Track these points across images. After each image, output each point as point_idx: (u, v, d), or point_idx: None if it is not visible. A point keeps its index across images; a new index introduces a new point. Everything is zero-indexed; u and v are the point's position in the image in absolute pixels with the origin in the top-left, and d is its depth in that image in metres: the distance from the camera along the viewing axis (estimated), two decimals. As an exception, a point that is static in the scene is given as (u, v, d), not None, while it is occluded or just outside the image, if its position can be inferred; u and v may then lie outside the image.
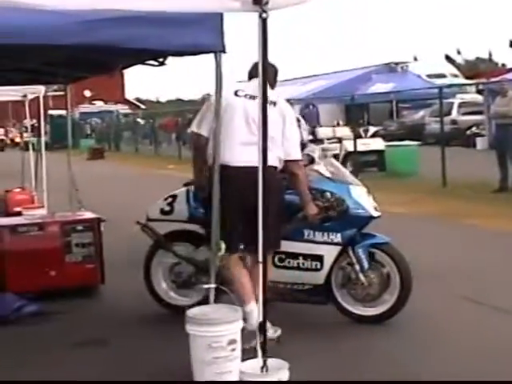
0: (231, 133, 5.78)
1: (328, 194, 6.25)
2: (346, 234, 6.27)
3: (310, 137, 6.96)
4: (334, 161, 6.91)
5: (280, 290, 6.33)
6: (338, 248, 6.30)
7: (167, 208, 6.72)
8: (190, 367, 5.03)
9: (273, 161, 5.66)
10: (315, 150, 6.86)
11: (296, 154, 5.92)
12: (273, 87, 6.00)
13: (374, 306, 6.38)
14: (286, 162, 5.89)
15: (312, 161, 6.70)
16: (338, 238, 6.27)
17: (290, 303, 6.52)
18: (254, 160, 5.57)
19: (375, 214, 6.40)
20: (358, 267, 6.29)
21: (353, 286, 6.37)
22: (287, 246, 6.24)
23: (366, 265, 6.28)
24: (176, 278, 6.82)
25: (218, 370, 4.93)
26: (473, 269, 8.30)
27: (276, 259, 6.24)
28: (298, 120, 6.81)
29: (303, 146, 6.69)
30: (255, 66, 6.02)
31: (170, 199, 6.74)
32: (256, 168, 5.50)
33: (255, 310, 5.43)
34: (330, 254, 6.30)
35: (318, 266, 6.31)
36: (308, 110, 27.25)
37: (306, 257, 6.33)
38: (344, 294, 6.41)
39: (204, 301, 5.94)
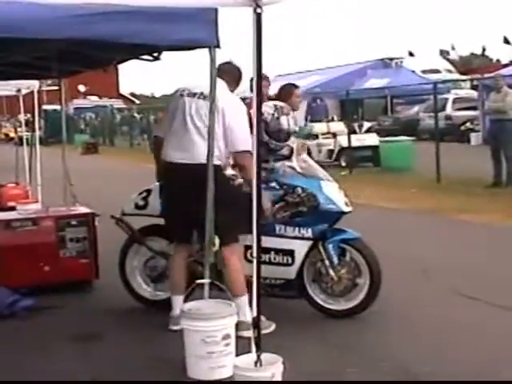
0: (172, 131, 6.05)
1: (299, 190, 6.31)
2: (317, 229, 6.31)
3: (297, 128, 6.96)
4: (306, 157, 6.91)
5: (252, 283, 6.31)
6: (309, 243, 6.34)
7: (141, 203, 6.72)
8: (184, 361, 5.05)
9: (203, 158, 5.71)
10: (295, 143, 6.90)
11: (240, 146, 5.80)
12: (234, 88, 6.12)
13: (344, 300, 6.41)
14: (233, 153, 5.90)
15: (291, 152, 6.75)
16: (309, 232, 6.32)
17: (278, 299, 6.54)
18: (187, 157, 5.84)
19: (346, 209, 6.43)
20: (327, 263, 6.33)
21: (323, 281, 6.41)
22: None
23: (335, 260, 6.32)
24: (150, 272, 6.86)
25: (212, 364, 4.95)
26: (467, 264, 8.30)
27: (248, 254, 6.19)
28: (285, 108, 6.79)
29: (289, 134, 6.69)
30: (219, 67, 6.07)
31: (144, 194, 6.75)
32: (188, 165, 5.79)
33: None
34: (301, 248, 6.34)
35: (290, 261, 6.35)
36: (315, 104, 26.61)
37: (277, 251, 6.36)
38: (315, 289, 6.45)
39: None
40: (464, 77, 38.89)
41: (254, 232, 4.53)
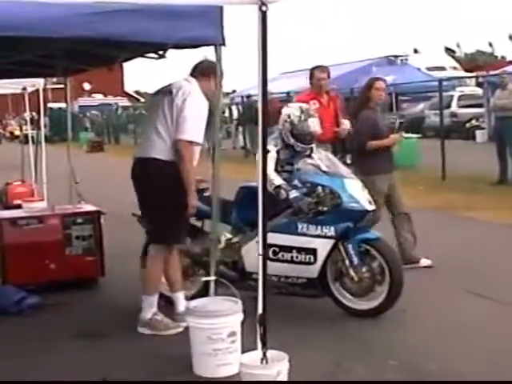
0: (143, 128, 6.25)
1: (319, 188, 6.26)
2: (339, 228, 6.24)
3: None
4: (329, 154, 6.89)
5: (274, 283, 6.28)
6: (332, 241, 6.27)
7: None
8: (190, 359, 5.05)
9: (156, 153, 5.85)
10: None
11: (185, 135, 5.75)
12: (214, 87, 5.86)
13: (366, 300, 6.34)
14: (176, 140, 5.79)
15: (311, 150, 6.74)
16: (331, 231, 6.24)
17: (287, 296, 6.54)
18: (145, 151, 5.99)
19: (370, 207, 6.38)
20: (347, 262, 6.26)
21: (344, 280, 6.35)
22: (281, 239, 6.25)
23: (355, 260, 6.24)
24: None
25: (218, 361, 4.96)
26: (474, 262, 8.30)
27: (270, 252, 6.18)
28: (311, 110, 6.79)
29: (313, 137, 6.68)
30: (196, 65, 6.08)
31: None
32: (143, 159, 5.94)
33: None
34: (323, 247, 6.27)
35: (312, 260, 6.28)
36: None
37: (299, 250, 6.30)
38: (338, 288, 6.39)
39: (199, 293, 6.01)
40: (469, 74, 38.82)
41: (260, 229, 4.53)
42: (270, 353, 4.44)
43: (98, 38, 4.83)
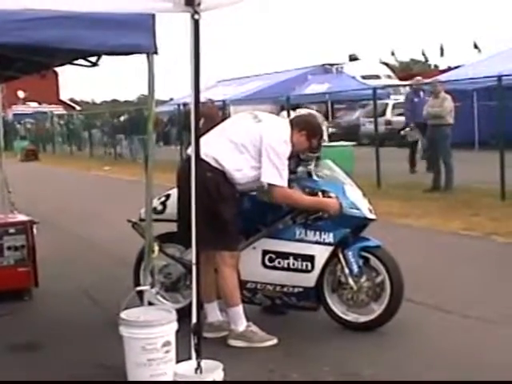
0: None
1: (320, 194, 6.04)
2: (338, 234, 6.02)
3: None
4: (329, 162, 6.68)
5: (269, 292, 6.15)
6: (330, 248, 6.04)
7: (160, 207, 6.37)
8: (124, 369, 5.01)
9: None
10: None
11: None
12: None
13: (364, 312, 6.14)
14: None
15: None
16: (330, 237, 6.02)
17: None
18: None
19: (370, 216, 6.21)
20: (347, 270, 6.03)
21: (342, 290, 6.13)
22: (278, 244, 6.08)
23: (355, 268, 6.02)
24: (165, 280, 6.49)
25: (153, 371, 4.91)
26: (408, 268, 8.35)
27: (266, 259, 6.07)
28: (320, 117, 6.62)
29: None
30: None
31: (163, 198, 6.44)
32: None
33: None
34: (321, 254, 6.03)
35: (309, 267, 6.03)
36: (418, 99, 20.01)
37: (296, 257, 6.04)
38: (335, 299, 6.17)
39: (187, 308, 5.68)
40: (403, 82, 39.39)
41: (194, 239, 4.52)
42: (204, 362, 4.43)
43: (28, 44, 4.78)
